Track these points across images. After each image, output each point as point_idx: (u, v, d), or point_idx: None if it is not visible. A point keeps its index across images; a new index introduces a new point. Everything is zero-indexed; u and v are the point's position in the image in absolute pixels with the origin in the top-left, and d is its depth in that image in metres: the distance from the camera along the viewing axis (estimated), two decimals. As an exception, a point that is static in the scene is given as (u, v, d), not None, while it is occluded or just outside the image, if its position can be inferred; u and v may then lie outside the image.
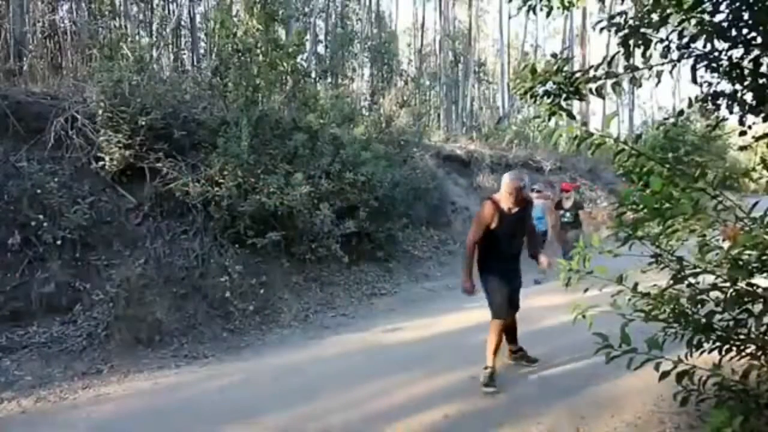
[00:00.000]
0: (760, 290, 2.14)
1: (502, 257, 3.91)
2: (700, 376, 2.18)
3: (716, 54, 2.50)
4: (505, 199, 3.82)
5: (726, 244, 2.10)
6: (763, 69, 2.44)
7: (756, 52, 2.40)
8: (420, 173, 9.54)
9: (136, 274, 5.37)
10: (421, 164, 9.97)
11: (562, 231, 8.00)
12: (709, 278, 2.24)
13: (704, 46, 2.50)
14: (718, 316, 2.21)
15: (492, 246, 3.88)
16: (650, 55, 2.61)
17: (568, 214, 8.01)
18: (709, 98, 2.81)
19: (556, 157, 14.97)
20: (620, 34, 2.60)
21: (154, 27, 13.62)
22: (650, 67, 2.61)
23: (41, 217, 5.19)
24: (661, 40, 2.57)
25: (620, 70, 2.63)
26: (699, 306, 2.27)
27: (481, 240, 3.87)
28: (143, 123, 6.02)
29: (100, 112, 5.94)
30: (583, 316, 2.29)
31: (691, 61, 2.57)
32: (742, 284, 2.14)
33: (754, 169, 3.09)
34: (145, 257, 5.71)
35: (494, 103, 25.93)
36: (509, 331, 4.17)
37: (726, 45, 2.46)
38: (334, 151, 7.65)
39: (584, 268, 2.33)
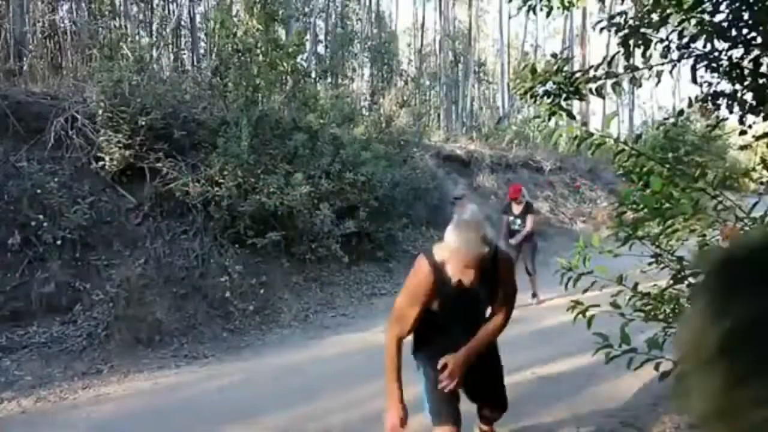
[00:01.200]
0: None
1: (449, 334, 2.26)
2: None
3: (716, 54, 2.51)
4: (457, 268, 2.01)
5: (726, 244, 2.10)
6: (763, 69, 2.45)
7: (756, 52, 2.41)
8: (420, 173, 9.53)
9: (136, 274, 5.37)
10: (421, 164, 9.97)
11: (513, 243, 6.56)
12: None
13: (704, 46, 2.51)
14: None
15: (432, 325, 2.26)
16: (650, 55, 2.61)
17: (518, 222, 6.65)
18: (709, 98, 2.81)
19: (556, 157, 14.98)
20: (620, 34, 2.60)
21: (154, 27, 13.61)
22: (650, 67, 2.61)
23: (41, 217, 5.19)
24: (661, 40, 2.57)
25: (620, 70, 2.64)
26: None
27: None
28: (143, 123, 6.02)
29: (100, 112, 5.94)
30: (583, 316, 2.29)
31: (691, 61, 2.57)
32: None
33: (754, 169, 3.09)
34: (145, 257, 5.71)
35: (494, 103, 25.93)
36: None
37: (726, 45, 2.46)
38: (334, 151, 7.65)
39: (584, 267, 2.33)
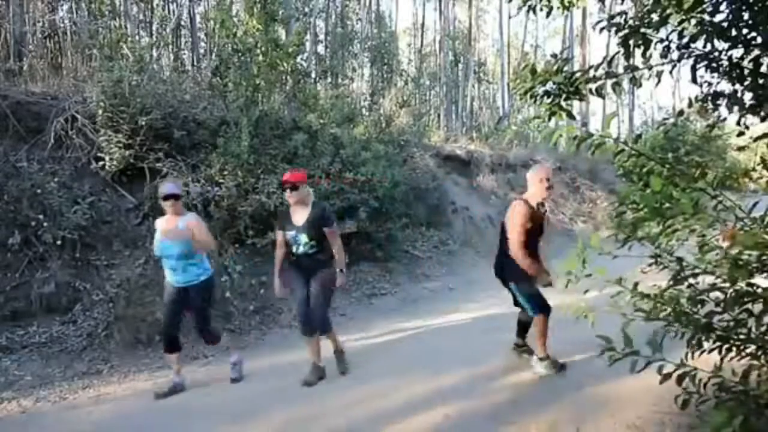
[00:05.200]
0: (760, 290, 2.14)
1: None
2: (701, 378, 2.17)
3: (716, 54, 2.50)
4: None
5: (726, 245, 2.10)
6: (763, 69, 2.44)
7: (756, 52, 2.40)
8: (420, 173, 9.54)
9: (136, 274, 5.37)
10: (421, 164, 9.97)
11: (293, 271, 4.02)
12: (709, 278, 2.23)
13: (704, 46, 2.50)
14: (718, 316, 2.21)
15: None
16: (650, 55, 2.61)
17: (303, 238, 3.78)
18: (709, 98, 2.81)
19: (556, 157, 14.99)
20: (620, 34, 2.59)
21: (154, 27, 13.63)
22: (650, 67, 2.60)
23: (41, 217, 5.19)
24: (661, 40, 2.57)
25: (620, 70, 2.63)
26: (699, 306, 2.27)
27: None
28: (143, 123, 6.02)
29: (100, 112, 5.95)
30: (585, 317, 2.29)
31: (691, 61, 2.56)
32: (742, 284, 2.14)
33: (754, 169, 3.09)
34: (145, 257, 5.70)
35: (494, 103, 25.96)
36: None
37: (726, 45, 2.46)
38: (334, 151, 7.65)
39: (584, 269, 2.32)
